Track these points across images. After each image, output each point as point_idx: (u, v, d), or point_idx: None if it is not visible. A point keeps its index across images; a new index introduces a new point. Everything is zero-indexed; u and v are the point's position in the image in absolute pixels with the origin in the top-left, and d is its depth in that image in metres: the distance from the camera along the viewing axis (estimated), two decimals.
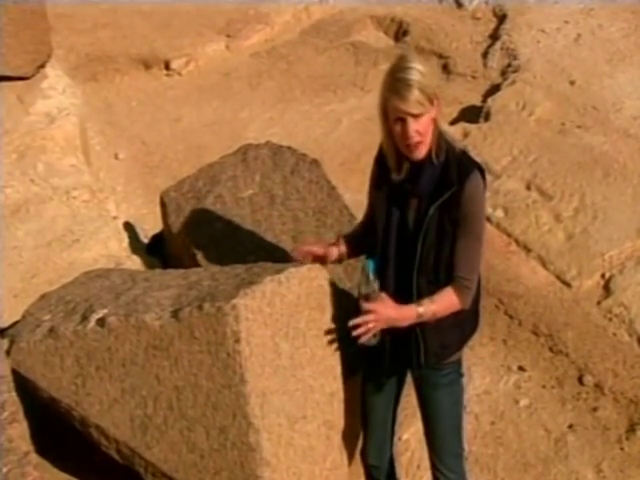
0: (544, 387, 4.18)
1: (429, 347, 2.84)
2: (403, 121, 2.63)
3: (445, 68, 6.68)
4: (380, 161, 2.85)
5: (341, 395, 3.02)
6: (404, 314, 2.74)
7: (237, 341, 2.63)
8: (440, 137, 2.70)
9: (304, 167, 4.22)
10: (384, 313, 2.71)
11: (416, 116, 2.60)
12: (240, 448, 2.71)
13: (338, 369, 3.01)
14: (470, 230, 2.72)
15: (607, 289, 4.59)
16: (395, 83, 2.60)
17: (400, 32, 7.20)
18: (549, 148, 5.47)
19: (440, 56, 6.81)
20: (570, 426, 4.00)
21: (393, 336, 2.82)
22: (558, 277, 4.69)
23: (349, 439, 3.16)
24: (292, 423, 2.81)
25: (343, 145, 5.94)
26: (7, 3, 4.94)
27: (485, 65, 6.62)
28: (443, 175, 2.70)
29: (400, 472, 3.37)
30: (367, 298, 2.71)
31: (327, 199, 4.08)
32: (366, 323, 2.70)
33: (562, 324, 4.43)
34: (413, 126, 2.62)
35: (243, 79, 6.76)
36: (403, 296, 2.77)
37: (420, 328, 2.80)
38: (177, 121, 6.31)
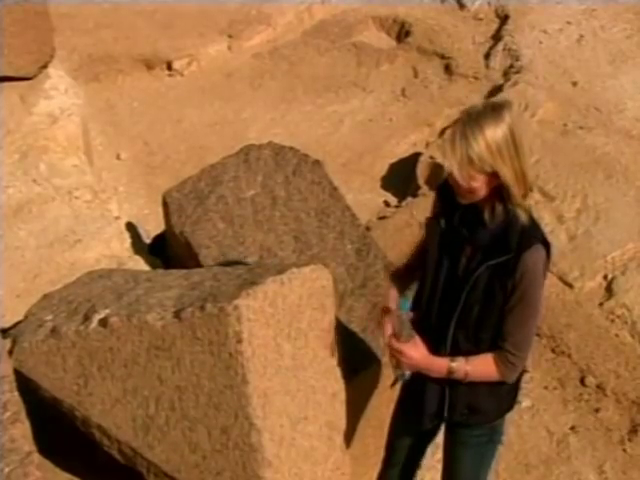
0: (546, 388, 4.17)
1: (456, 405, 2.74)
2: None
3: (447, 69, 6.68)
4: (443, 190, 2.65)
5: (343, 396, 3.01)
6: (434, 365, 2.62)
7: (239, 341, 2.63)
8: (496, 201, 2.48)
9: (306, 168, 4.22)
10: (414, 358, 2.61)
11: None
12: (242, 448, 2.70)
13: (340, 370, 3.01)
14: (525, 305, 2.55)
15: (609, 290, 4.59)
16: (457, 135, 2.39)
17: (402, 33, 7.20)
18: (551, 149, 5.47)
19: (442, 57, 6.81)
20: (572, 427, 4.00)
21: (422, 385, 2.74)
22: (560, 278, 4.69)
23: (351, 440, 3.16)
24: (294, 424, 2.81)
25: (345, 146, 5.94)
26: (9, 3, 4.94)
27: (487, 66, 6.62)
28: (503, 236, 2.52)
29: None
30: (398, 338, 2.63)
31: (329, 199, 4.08)
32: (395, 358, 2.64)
33: (564, 325, 4.43)
34: (457, 180, 2.46)
35: (245, 80, 6.76)
36: (437, 345, 2.66)
37: (449, 383, 2.69)
38: (179, 121, 6.31)
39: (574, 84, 6.11)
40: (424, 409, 2.79)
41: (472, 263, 2.57)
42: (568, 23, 6.80)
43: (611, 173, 5.24)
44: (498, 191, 2.47)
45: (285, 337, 2.77)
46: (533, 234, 2.55)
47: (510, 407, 2.83)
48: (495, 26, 7.05)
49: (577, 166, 5.31)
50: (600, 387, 4.13)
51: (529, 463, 3.86)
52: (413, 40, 7.02)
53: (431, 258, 2.66)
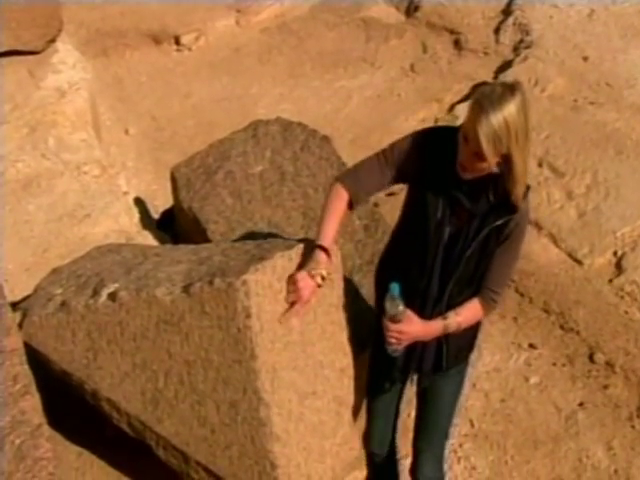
0: (554, 365, 4.18)
1: (450, 353, 2.88)
2: (467, 142, 2.48)
3: (457, 44, 6.63)
4: (436, 145, 2.63)
5: (351, 371, 3.02)
6: (430, 329, 2.76)
7: (248, 316, 2.63)
8: (513, 180, 2.52)
9: (314, 143, 4.21)
10: (412, 332, 2.72)
11: (478, 154, 2.46)
12: (250, 423, 2.71)
13: (348, 345, 3.01)
14: (512, 249, 2.70)
15: (619, 267, 4.57)
16: (481, 113, 2.40)
17: (411, 8, 7.14)
18: (561, 125, 5.44)
19: (452, 32, 6.75)
20: (580, 404, 4.00)
21: (409, 347, 2.83)
22: (570, 255, 4.68)
23: (359, 415, 3.17)
24: (302, 398, 2.82)
25: (353, 121, 5.91)
26: None
27: (497, 41, 6.56)
28: (503, 200, 2.59)
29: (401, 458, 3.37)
30: (393, 320, 2.71)
31: None
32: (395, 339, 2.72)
33: (573, 302, 4.42)
34: (468, 156, 2.49)
35: (253, 55, 6.72)
36: (430, 302, 2.78)
37: (443, 338, 2.83)
38: (187, 97, 6.29)
39: (585, 59, 6.05)
40: (421, 367, 2.91)
41: (472, 228, 2.64)
42: None
43: (621, 149, 5.21)
44: (505, 172, 2.50)
45: (294, 312, 2.77)
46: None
47: (479, 327, 2.98)
48: (505, 0, 6.98)
49: (587, 142, 5.28)
50: (609, 364, 4.13)
51: (537, 439, 3.87)
52: (422, 15, 6.97)
53: (431, 227, 2.67)
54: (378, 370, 3.05)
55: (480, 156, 2.45)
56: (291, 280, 2.66)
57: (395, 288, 2.68)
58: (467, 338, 2.92)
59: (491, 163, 2.47)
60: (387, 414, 3.14)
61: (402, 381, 3.07)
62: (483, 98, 2.41)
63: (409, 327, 2.71)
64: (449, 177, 2.59)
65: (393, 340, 2.73)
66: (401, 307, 2.69)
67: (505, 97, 2.40)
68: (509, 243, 2.67)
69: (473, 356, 3.02)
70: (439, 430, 3.05)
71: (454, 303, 2.77)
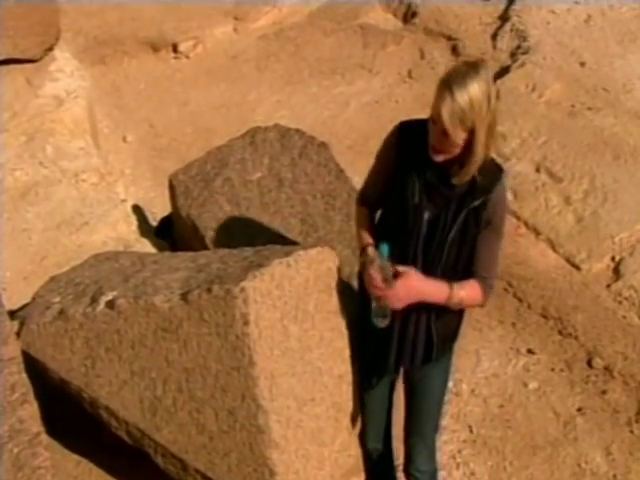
0: (553, 370, 4.17)
1: (439, 342, 2.87)
2: (435, 122, 2.55)
3: (454, 50, 6.63)
4: (407, 137, 2.73)
5: (350, 377, 3.02)
6: (434, 288, 2.69)
7: (246, 323, 2.64)
8: (475, 155, 2.58)
9: (312, 150, 4.21)
10: (415, 286, 2.65)
11: (445, 133, 2.53)
12: (249, 430, 2.71)
13: (347, 352, 3.01)
14: (495, 231, 2.72)
15: (617, 272, 4.57)
16: (445, 90, 2.49)
17: (409, 14, 7.14)
18: (559, 130, 5.44)
19: (449, 38, 6.76)
20: (579, 409, 4.00)
21: (400, 339, 2.84)
22: (568, 260, 4.68)
23: (358, 421, 3.17)
24: (301, 405, 2.82)
25: (351, 128, 5.91)
26: None
27: (494, 47, 6.57)
28: (474, 181, 2.65)
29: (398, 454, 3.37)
30: (387, 280, 2.64)
31: (335, 182, 4.07)
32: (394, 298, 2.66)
33: (571, 307, 4.42)
34: (437, 136, 2.56)
35: (251, 62, 6.72)
36: None
37: (428, 327, 2.82)
38: (185, 104, 6.29)
39: (582, 64, 6.06)
40: (414, 361, 2.89)
41: (449, 212, 2.67)
42: (576, 3, 6.73)
43: (619, 154, 5.21)
44: (468, 148, 2.57)
45: (292, 319, 2.78)
46: (497, 167, 2.71)
47: (462, 318, 2.99)
48: (502, 6, 6.98)
49: (585, 147, 5.28)
50: (607, 369, 4.13)
51: (536, 444, 3.86)
52: (419, 21, 6.97)
53: (410, 214, 2.71)
54: (371, 367, 3.04)
55: (447, 134, 2.52)
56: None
57: (384, 249, 2.67)
58: (452, 328, 2.93)
59: (458, 140, 2.53)
60: (382, 410, 3.15)
61: (394, 376, 3.08)
62: (448, 77, 2.51)
63: (409, 281, 2.64)
64: (423, 163, 2.66)
65: (386, 301, 2.66)
66: (391, 270, 2.64)
67: (469, 75, 2.48)
68: (491, 228, 2.70)
69: (455, 345, 3.03)
70: (430, 420, 3.06)
71: None
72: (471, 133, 2.52)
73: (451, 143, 2.54)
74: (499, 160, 2.81)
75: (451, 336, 2.96)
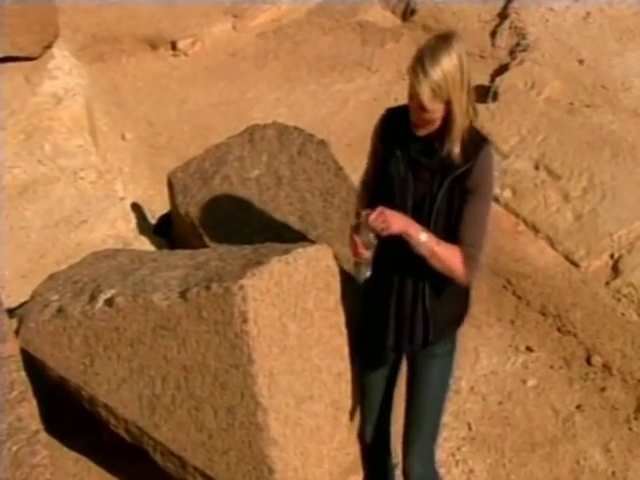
0: (552, 367, 4.18)
1: (437, 324, 2.86)
2: (412, 99, 2.63)
3: None
4: (389, 128, 2.81)
5: (348, 375, 3.02)
6: (414, 226, 2.71)
7: (245, 321, 2.64)
8: (455, 125, 2.65)
9: (311, 147, 4.21)
10: (397, 221, 2.68)
11: (423, 108, 2.60)
12: (248, 428, 2.71)
13: (345, 349, 3.01)
14: (480, 199, 2.74)
15: (616, 269, 4.57)
16: (418, 66, 2.56)
17: (407, 11, 7.13)
18: (557, 128, 5.44)
19: None
20: (578, 406, 4.00)
21: (397, 319, 2.84)
22: (566, 257, 4.68)
23: (356, 419, 3.17)
24: (299, 403, 2.82)
25: (350, 125, 5.91)
26: None
27: (493, 44, 6.57)
28: (458, 151, 2.69)
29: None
30: (369, 246, 2.72)
31: (334, 179, 4.07)
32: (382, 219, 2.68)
33: (570, 304, 4.43)
34: (416, 112, 2.64)
35: (249, 59, 6.72)
36: (412, 264, 2.77)
37: (424, 306, 2.83)
38: (183, 102, 6.28)
39: (580, 62, 6.06)
40: (413, 339, 2.88)
41: (434, 183, 2.72)
42: (574, 0, 6.73)
43: (617, 151, 5.21)
44: (448, 120, 2.64)
45: (290, 317, 2.78)
46: (480, 137, 2.77)
47: (467, 313, 3.03)
48: (501, 4, 6.97)
49: (583, 145, 5.28)
50: (606, 366, 4.13)
51: (535, 442, 3.87)
52: (418, 19, 6.96)
53: (396, 189, 2.77)
54: (370, 351, 3.04)
55: (425, 109, 2.59)
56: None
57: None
58: (450, 312, 2.92)
59: (436, 113, 2.60)
60: (381, 405, 3.13)
61: (394, 366, 3.07)
62: (420, 54, 2.57)
63: (393, 218, 2.68)
64: (408, 139, 2.73)
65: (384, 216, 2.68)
66: (372, 236, 2.69)
67: (439, 48, 2.56)
68: (477, 196, 2.72)
69: (457, 341, 3.03)
70: (429, 417, 3.04)
71: (430, 269, 2.76)
72: (448, 104, 2.60)
73: (430, 117, 2.62)
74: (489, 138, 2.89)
75: (451, 321, 2.95)
